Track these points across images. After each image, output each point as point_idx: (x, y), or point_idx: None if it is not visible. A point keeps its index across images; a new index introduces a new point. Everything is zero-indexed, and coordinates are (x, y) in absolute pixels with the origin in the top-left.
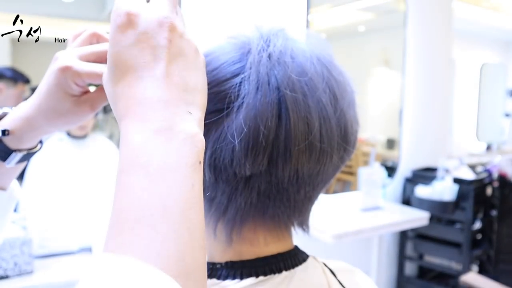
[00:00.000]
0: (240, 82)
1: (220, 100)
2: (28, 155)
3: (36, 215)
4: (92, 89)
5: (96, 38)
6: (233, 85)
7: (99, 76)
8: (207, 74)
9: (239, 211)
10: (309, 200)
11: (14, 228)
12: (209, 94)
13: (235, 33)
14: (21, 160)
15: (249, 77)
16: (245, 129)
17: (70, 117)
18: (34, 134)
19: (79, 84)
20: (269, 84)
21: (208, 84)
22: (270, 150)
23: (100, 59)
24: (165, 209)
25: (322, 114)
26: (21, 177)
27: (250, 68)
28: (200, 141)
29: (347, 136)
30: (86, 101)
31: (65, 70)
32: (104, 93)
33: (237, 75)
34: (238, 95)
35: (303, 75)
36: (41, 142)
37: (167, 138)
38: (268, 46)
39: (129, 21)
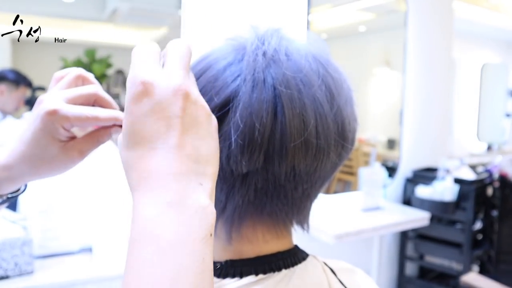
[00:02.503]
0: (238, 84)
1: (218, 99)
2: (8, 199)
3: (37, 215)
4: (79, 134)
5: (81, 80)
6: (230, 85)
7: (89, 119)
8: (207, 75)
9: (237, 209)
10: (307, 197)
11: (15, 228)
12: (208, 94)
13: (234, 35)
14: (1, 204)
15: (245, 77)
16: (241, 126)
17: (56, 165)
18: (14, 183)
19: (67, 128)
20: (264, 83)
21: (208, 85)
22: (266, 147)
23: (88, 101)
24: (177, 284)
25: (318, 110)
26: None
27: (246, 68)
28: (211, 213)
29: (344, 133)
30: (74, 147)
31: (53, 114)
32: (93, 138)
33: (233, 75)
34: (235, 94)
35: (297, 72)
36: (25, 185)
37: (179, 211)
38: (263, 44)
39: (145, 91)
